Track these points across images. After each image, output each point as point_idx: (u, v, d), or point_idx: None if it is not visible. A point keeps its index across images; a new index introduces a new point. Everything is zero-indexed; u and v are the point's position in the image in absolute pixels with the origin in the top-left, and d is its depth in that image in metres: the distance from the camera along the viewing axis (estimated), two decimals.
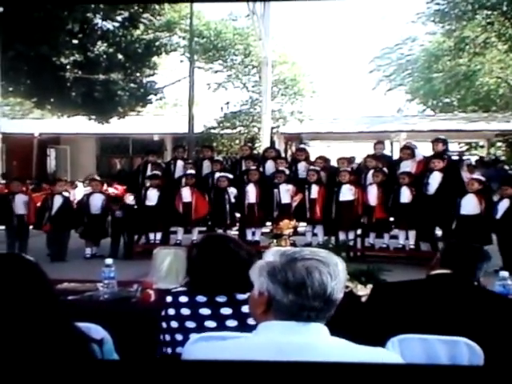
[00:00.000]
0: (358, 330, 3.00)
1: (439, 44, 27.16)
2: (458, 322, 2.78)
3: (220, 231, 10.82)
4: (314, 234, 10.98)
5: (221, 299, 2.69)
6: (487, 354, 2.59)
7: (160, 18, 22.08)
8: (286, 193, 10.92)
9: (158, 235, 11.18)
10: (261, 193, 11.01)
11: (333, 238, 10.35)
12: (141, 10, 20.59)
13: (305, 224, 11.16)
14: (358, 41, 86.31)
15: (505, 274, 3.87)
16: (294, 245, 5.08)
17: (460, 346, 2.63)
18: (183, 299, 2.74)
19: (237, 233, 11.24)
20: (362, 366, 1.37)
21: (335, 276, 1.76)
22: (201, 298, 2.72)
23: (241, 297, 2.61)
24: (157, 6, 20.70)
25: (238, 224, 11.52)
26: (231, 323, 2.65)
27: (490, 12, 22.41)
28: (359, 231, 10.78)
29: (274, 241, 4.91)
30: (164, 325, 2.75)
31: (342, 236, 10.57)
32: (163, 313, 2.77)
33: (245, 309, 2.56)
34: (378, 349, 1.87)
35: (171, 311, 2.74)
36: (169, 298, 2.79)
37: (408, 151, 10.89)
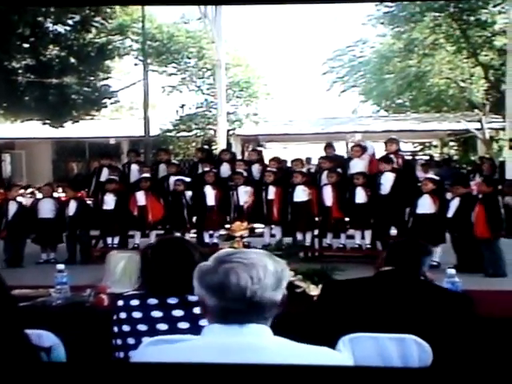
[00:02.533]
0: (310, 329, 3.07)
1: (389, 46, 27.42)
2: (406, 316, 2.83)
3: (178, 234, 10.87)
4: (272, 235, 11.01)
5: (172, 301, 2.67)
6: (435, 348, 2.66)
7: (112, 22, 21.83)
8: (244, 194, 10.95)
9: (116, 239, 11.15)
10: (218, 195, 11.03)
11: (289, 239, 10.49)
12: (92, 13, 20.33)
13: (263, 225, 11.22)
14: (311, 43, 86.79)
15: (452, 271, 3.91)
16: (247, 246, 5.08)
17: (409, 344, 2.69)
18: (134, 302, 2.71)
19: (195, 236, 11.24)
20: (303, 368, 1.39)
21: (258, 279, 1.76)
22: (152, 301, 2.69)
23: (192, 298, 2.55)
24: (108, 9, 20.49)
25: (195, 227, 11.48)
26: (183, 325, 2.63)
27: (437, 14, 22.73)
28: (316, 232, 10.83)
29: (229, 243, 4.91)
30: (116, 329, 2.71)
31: (299, 237, 10.68)
32: (115, 317, 2.73)
33: (197, 310, 2.54)
34: (323, 348, 1.89)
35: (122, 315, 2.71)
36: (120, 302, 2.75)
37: (357, 149, 11.07)
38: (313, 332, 3.02)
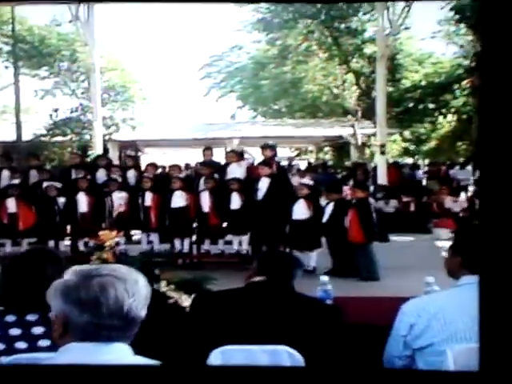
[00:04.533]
0: (182, 341, 3.04)
1: (264, 52, 27.95)
2: (277, 328, 2.84)
3: (51, 243, 10.48)
4: (150, 242, 10.87)
5: (32, 318, 2.51)
6: (307, 357, 2.67)
7: None
8: (118, 200, 10.74)
9: None
10: (92, 201, 10.78)
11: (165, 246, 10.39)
12: None
13: (140, 232, 11.05)
14: (189, 47, 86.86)
15: (325, 278, 3.94)
16: (119, 256, 4.88)
17: (281, 355, 2.69)
18: None
19: (69, 243, 11.02)
20: None
21: (133, 293, 1.70)
22: (10, 318, 2.52)
23: None
24: None
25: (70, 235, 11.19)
26: (44, 343, 2.47)
27: (310, 21, 23.37)
28: (194, 238, 10.76)
29: (98, 253, 4.71)
30: None
31: (177, 243, 10.61)
32: None
33: None
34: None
35: None
36: None
37: (232, 154, 11.18)
38: (184, 345, 3.00)
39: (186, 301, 4.03)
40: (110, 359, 1.66)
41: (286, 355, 2.68)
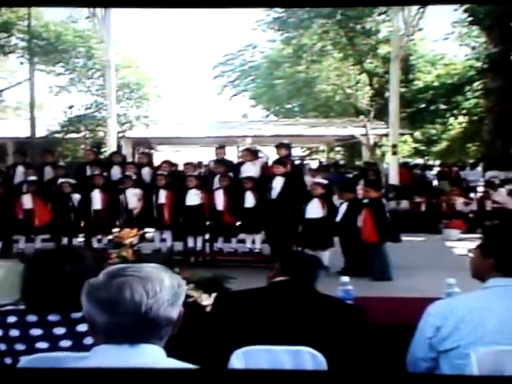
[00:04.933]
0: (203, 342, 3.02)
1: (279, 51, 27.92)
2: (300, 328, 2.83)
3: (65, 239, 10.53)
4: (163, 240, 10.90)
5: (53, 318, 2.48)
6: (329, 360, 2.68)
7: None
8: (133, 197, 10.77)
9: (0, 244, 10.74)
10: (107, 198, 10.79)
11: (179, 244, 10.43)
12: None
13: (153, 229, 11.09)
14: (203, 46, 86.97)
15: (345, 279, 3.95)
16: (137, 253, 4.93)
17: (304, 356, 2.69)
18: (12, 319, 2.50)
19: (83, 240, 11.02)
20: None
21: (154, 293, 1.69)
22: (32, 318, 2.50)
23: (76, 315, 2.44)
24: None
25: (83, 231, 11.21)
26: (65, 343, 2.45)
27: (325, 21, 23.32)
28: (207, 236, 10.77)
29: (117, 251, 4.75)
30: None
31: (190, 241, 10.62)
32: None
33: (81, 328, 2.42)
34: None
35: None
36: None
37: (247, 153, 11.13)
38: (206, 345, 2.99)
39: (205, 300, 4.01)
40: (139, 362, 1.66)
41: (308, 356, 2.68)
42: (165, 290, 1.72)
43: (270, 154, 11.93)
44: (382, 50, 23.73)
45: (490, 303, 2.54)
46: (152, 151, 17.02)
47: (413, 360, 2.77)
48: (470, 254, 2.81)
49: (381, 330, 3.43)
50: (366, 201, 9.58)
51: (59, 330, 2.47)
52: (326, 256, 9.42)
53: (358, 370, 2.68)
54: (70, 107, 23.18)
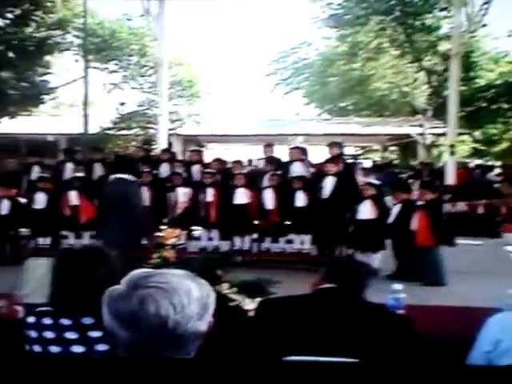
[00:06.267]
0: (245, 348, 2.94)
1: (334, 48, 27.58)
2: (346, 339, 2.69)
3: None
4: (210, 239, 10.76)
5: (88, 321, 2.41)
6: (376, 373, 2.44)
7: (52, 16, 21.18)
8: (183, 196, 10.72)
9: (48, 239, 10.85)
10: (154, 196, 10.75)
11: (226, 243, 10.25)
12: (33, 7, 19.71)
13: (200, 228, 10.95)
14: (256, 43, 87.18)
15: (397, 286, 3.80)
16: (181, 252, 4.75)
17: None
18: (47, 321, 2.45)
19: None
20: None
21: (182, 306, 1.52)
22: (65, 321, 2.43)
23: None
24: (49, 3, 19.87)
25: None
26: (101, 347, 2.37)
27: (382, 17, 22.94)
28: (255, 235, 10.59)
29: (158, 251, 4.58)
30: (27, 347, 2.47)
31: (237, 240, 10.50)
32: (25, 334, 2.49)
33: None
34: None
35: (33, 333, 2.46)
36: (31, 319, 2.50)
37: (296, 151, 10.96)
38: (247, 353, 2.89)
39: (248, 304, 3.91)
40: None
41: None
42: (193, 303, 1.55)
43: (321, 153, 11.73)
44: (442, 47, 23.10)
45: None
46: (202, 149, 16.98)
47: None
48: None
49: (432, 341, 3.29)
50: (420, 202, 9.23)
51: (95, 334, 2.40)
52: (376, 258, 9.24)
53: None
54: (122, 104, 23.44)
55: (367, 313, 2.86)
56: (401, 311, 3.58)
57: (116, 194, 8.01)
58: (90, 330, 2.40)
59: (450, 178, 16.33)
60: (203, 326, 1.57)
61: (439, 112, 22.06)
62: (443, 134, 20.10)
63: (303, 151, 10.98)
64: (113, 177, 8.26)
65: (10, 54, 19.79)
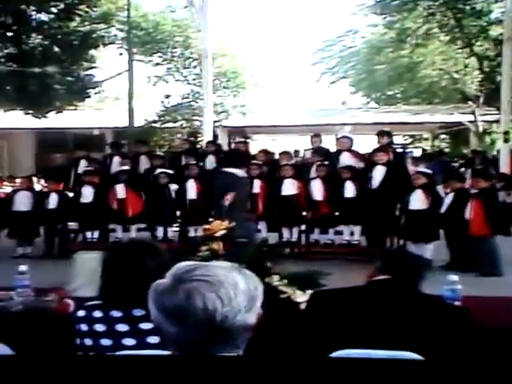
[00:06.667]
0: (297, 341, 2.89)
1: (381, 36, 27.14)
2: (401, 331, 2.63)
3: (160, 229, 10.62)
4: (258, 230, 10.65)
5: (138, 313, 2.41)
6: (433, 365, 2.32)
7: (96, 10, 21.44)
8: None
9: (96, 233, 10.94)
10: (201, 189, 10.70)
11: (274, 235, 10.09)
12: (76, 1, 19.98)
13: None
14: (301, 33, 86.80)
15: (453, 277, 3.69)
16: (231, 246, 4.64)
17: None
18: (97, 314, 2.47)
19: (178, 230, 11.07)
20: None
21: (229, 299, 1.48)
22: (116, 313, 2.44)
23: None
24: None
25: (178, 221, 11.22)
26: (152, 339, 2.37)
27: (431, 2, 22.45)
28: (303, 227, 10.50)
29: (207, 243, 4.47)
30: (78, 341, 2.50)
31: (285, 232, 10.42)
32: (76, 328, 2.51)
33: None
34: None
35: (84, 327, 2.48)
36: (81, 312, 2.53)
37: (345, 140, 10.81)
38: (299, 345, 2.84)
39: (299, 297, 3.82)
40: None
41: None
42: (240, 295, 1.52)
43: (369, 142, 11.51)
44: (494, 31, 22.46)
45: None
46: (248, 140, 16.87)
47: None
48: None
49: (491, 333, 3.20)
50: (474, 191, 8.99)
51: (146, 325, 2.41)
52: (429, 249, 9.00)
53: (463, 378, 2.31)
54: (167, 97, 23.59)
55: (423, 304, 2.78)
56: (457, 303, 3.51)
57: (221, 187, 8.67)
58: (141, 321, 2.40)
59: (504, 166, 15.88)
60: (252, 318, 1.54)
61: (491, 98, 21.56)
62: (496, 121, 19.65)
63: (351, 141, 10.79)
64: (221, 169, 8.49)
65: (55, 49, 20.20)
